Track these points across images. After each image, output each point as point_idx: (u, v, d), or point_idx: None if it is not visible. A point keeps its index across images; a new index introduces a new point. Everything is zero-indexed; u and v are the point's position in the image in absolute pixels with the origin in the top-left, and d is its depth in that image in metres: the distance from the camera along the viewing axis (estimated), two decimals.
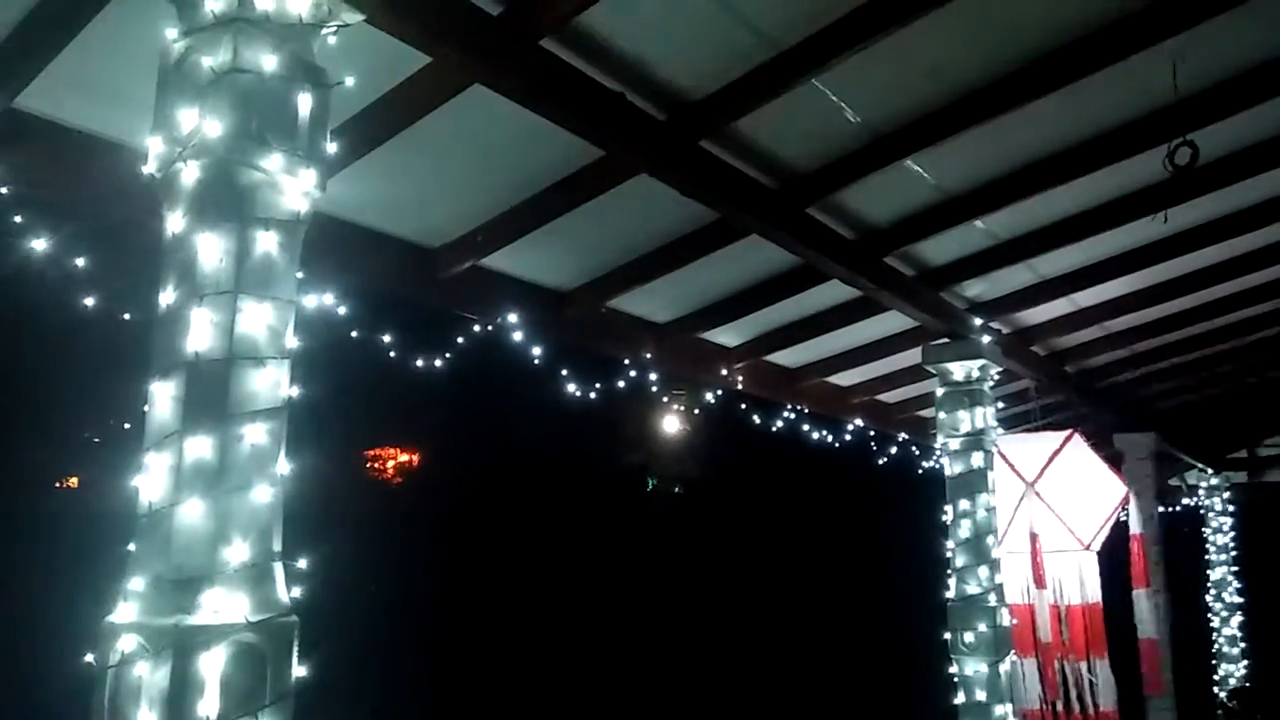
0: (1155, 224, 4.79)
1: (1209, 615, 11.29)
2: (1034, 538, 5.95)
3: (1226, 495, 11.83)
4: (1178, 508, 11.92)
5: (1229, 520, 11.73)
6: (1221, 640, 11.16)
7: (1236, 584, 11.41)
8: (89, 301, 3.24)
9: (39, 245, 3.14)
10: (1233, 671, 10.96)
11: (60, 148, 3.25)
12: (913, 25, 3.26)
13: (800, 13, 3.26)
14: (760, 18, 3.28)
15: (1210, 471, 11.66)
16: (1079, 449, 6.33)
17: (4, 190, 3.05)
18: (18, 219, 3.11)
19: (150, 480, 2.18)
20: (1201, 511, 11.85)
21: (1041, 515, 6.04)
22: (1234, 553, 11.58)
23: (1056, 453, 6.18)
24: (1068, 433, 6.40)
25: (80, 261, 3.21)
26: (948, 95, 3.83)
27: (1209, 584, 11.46)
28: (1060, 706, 6.09)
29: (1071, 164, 4.43)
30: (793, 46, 3.36)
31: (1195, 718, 9.64)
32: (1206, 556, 11.60)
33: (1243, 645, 11.14)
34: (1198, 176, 4.22)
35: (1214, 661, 11.09)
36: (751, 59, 3.42)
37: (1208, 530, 11.72)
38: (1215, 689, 10.76)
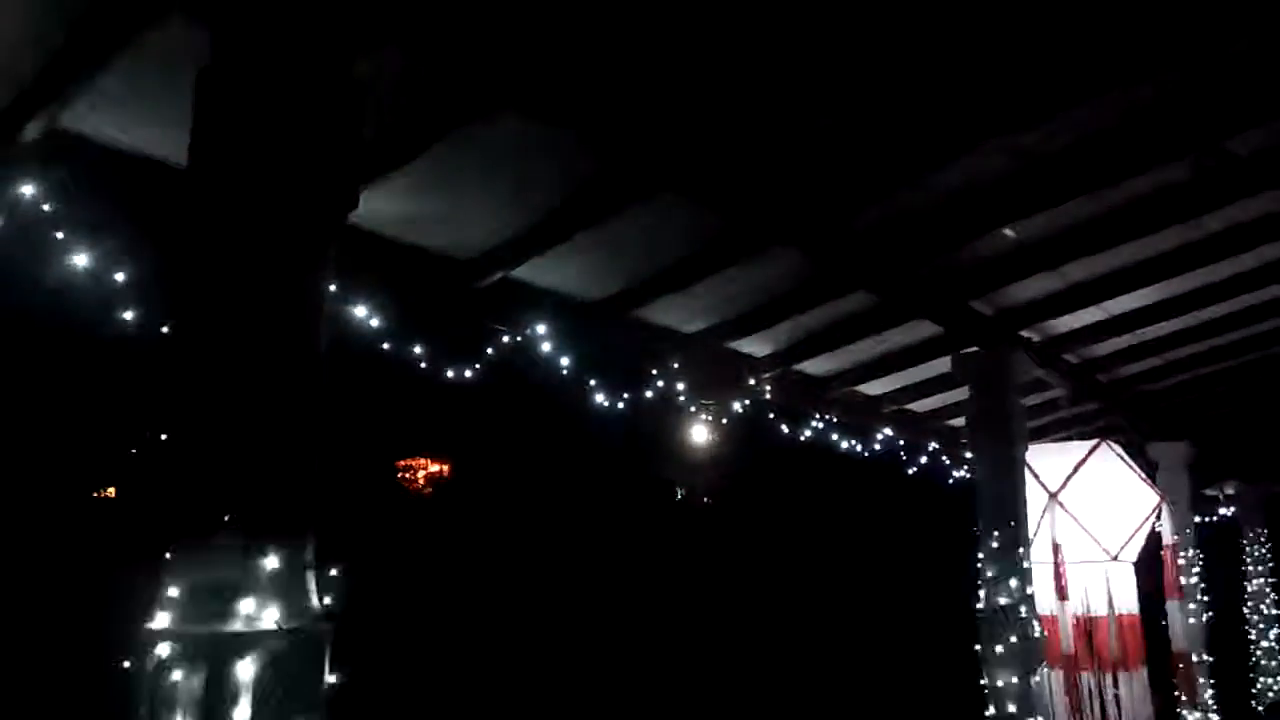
0: (1187, 230, 4.76)
1: (1246, 628, 11.12)
2: (1056, 549, 5.90)
3: (1264, 506, 11.64)
4: (1214, 518, 11.75)
5: (1265, 531, 11.55)
6: (1259, 653, 10.98)
7: (1274, 595, 11.23)
8: (129, 315, 3.31)
9: (81, 260, 3.21)
10: (1271, 685, 10.78)
11: (101, 165, 3.33)
12: None
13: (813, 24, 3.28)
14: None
15: (1247, 482, 11.48)
16: (1107, 459, 6.27)
17: (47, 207, 3.13)
18: (60, 234, 3.18)
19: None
20: (1238, 522, 11.68)
21: (1065, 526, 5.99)
22: (1271, 564, 11.40)
23: (1081, 463, 6.12)
24: (1094, 442, 6.34)
25: (120, 276, 3.29)
26: (973, 101, 3.82)
27: (1246, 596, 11.28)
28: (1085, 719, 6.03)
29: (1101, 169, 4.40)
30: (807, 59, 3.37)
31: None
32: (1243, 568, 11.42)
33: None
34: (1232, 181, 4.19)
35: (1251, 675, 10.91)
36: (771, 67, 3.43)
37: (1244, 541, 11.54)
38: (1253, 703, 10.58)
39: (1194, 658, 8.71)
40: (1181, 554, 8.85)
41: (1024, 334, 5.99)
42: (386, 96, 2.53)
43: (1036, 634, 5.47)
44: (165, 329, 3.12)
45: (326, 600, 2.30)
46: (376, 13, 2.42)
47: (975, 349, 5.77)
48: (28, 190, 3.13)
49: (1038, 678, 5.39)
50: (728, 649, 17.07)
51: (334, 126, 2.37)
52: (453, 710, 14.32)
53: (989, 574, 5.52)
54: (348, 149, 2.40)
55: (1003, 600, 5.43)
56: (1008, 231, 4.88)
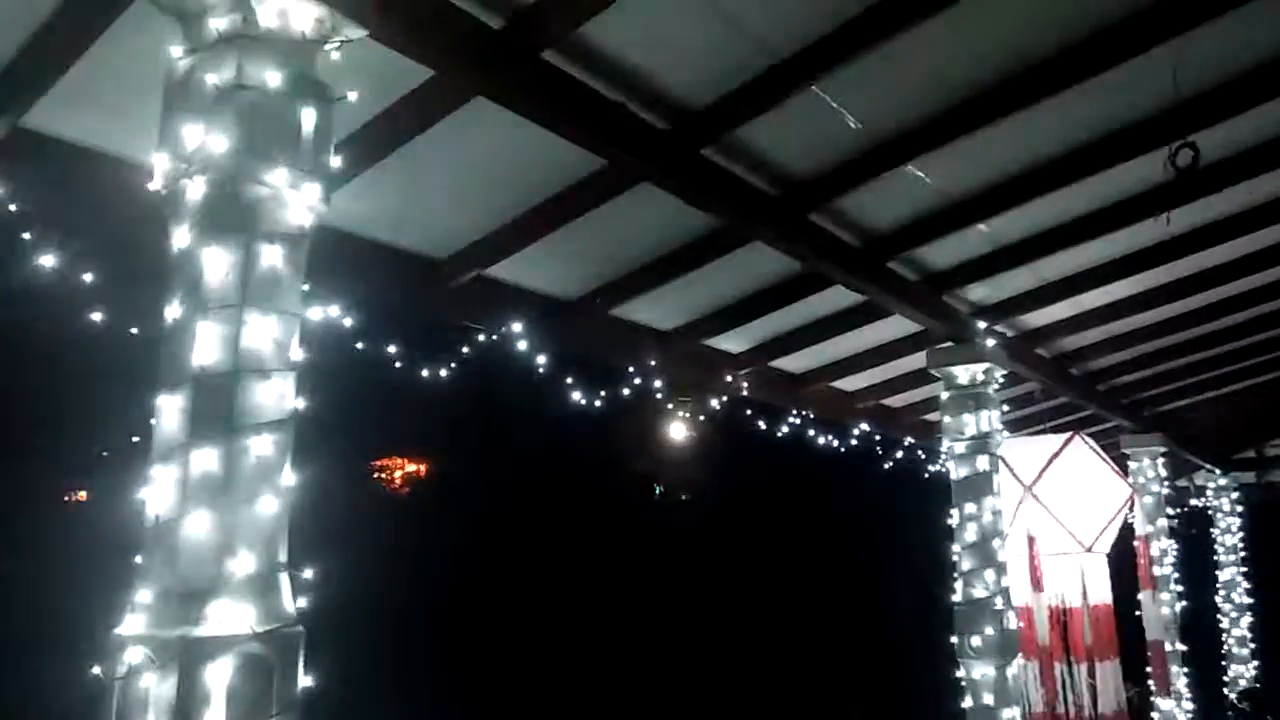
0: (1158, 226, 4.80)
1: (1218, 616, 11.25)
2: (1031, 541, 5.94)
3: (1234, 496, 11.79)
4: (1185, 508, 11.88)
5: (1237, 521, 11.69)
6: (1231, 641, 11.12)
7: (1245, 585, 11.37)
8: (96, 316, 3.27)
9: (47, 261, 3.17)
10: (1242, 673, 10.92)
11: (67, 165, 3.29)
12: (911, 32, 3.28)
13: (799, 21, 3.29)
14: (759, 26, 3.30)
15: (1218, 472, 11.62)
16: (1080, 451, 6.32)
17: (12, 207, 3.09)
18: (26, 236, 3.14)
19: (157, 492, 2.20)
20: (1209, 512, 11.81)
21: (1040, 518, 6.03)
22: (1242, 553, 11.54)
23: (1055, 455, 6.17)
24: (1067, 435, 6.39)
25: (87, 277, 3.24)
26: (949, 100, 3.84)
27: (1218, 585, 11.42)
28: (1061, 709, 6.08)
29: (1073, 167, 4.44)
30: (792, 55, 3.38)
31: (1205, 719, 9.60)
32: (1215, 557, 11.56)
33: (1252, 646, 11.09)
34: (1200, 178, 4.22)
35: (1224, 663, 11.04)
36: (751, 68, 3.44)
37: (1216, 531, 11.68)
38: (1225, 690, 10.71)
39: (1167, 647, 8.80)
40: (1154, 544, 8.95)
41: (998, 328, 6.03)
42: (358, 91, 2.50)
43: (1012, 625, 5.51)
44: (134, 330, 3.09)
45: (301, 602, 2.28)
46: (347, 5, 2.39)
47: (949, 344, 5.80)
48: None
49: (1014, 669, 5.43)
50: (708, 641, 17.10)
51: (304, 123, 2.35)
52: (430, 707, 14.26)
53: (965, 566, 5.55)
54: (319, 146, 2.38)
55: (978, 592, 5.47)
56: (982, 228, 4.91)
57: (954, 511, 5.68)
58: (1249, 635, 11.10)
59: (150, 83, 2.43)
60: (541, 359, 4.82)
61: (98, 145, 3.32)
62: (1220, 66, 3.95)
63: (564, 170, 3.88)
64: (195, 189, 2.27)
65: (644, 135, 3.59)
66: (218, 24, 2.31)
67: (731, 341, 6.09)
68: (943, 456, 5.98)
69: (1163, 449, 9.10)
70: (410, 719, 13.96)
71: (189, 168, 2.27)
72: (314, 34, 2.38)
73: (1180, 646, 8.95)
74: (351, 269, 4.05)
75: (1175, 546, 9.25)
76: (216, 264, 2.24)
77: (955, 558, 5.62)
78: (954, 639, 5.50)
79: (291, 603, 2.23)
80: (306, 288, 2.39)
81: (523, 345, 4.72)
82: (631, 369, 5.61)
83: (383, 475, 25.35)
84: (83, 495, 19.20)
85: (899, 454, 8.36)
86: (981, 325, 5.85)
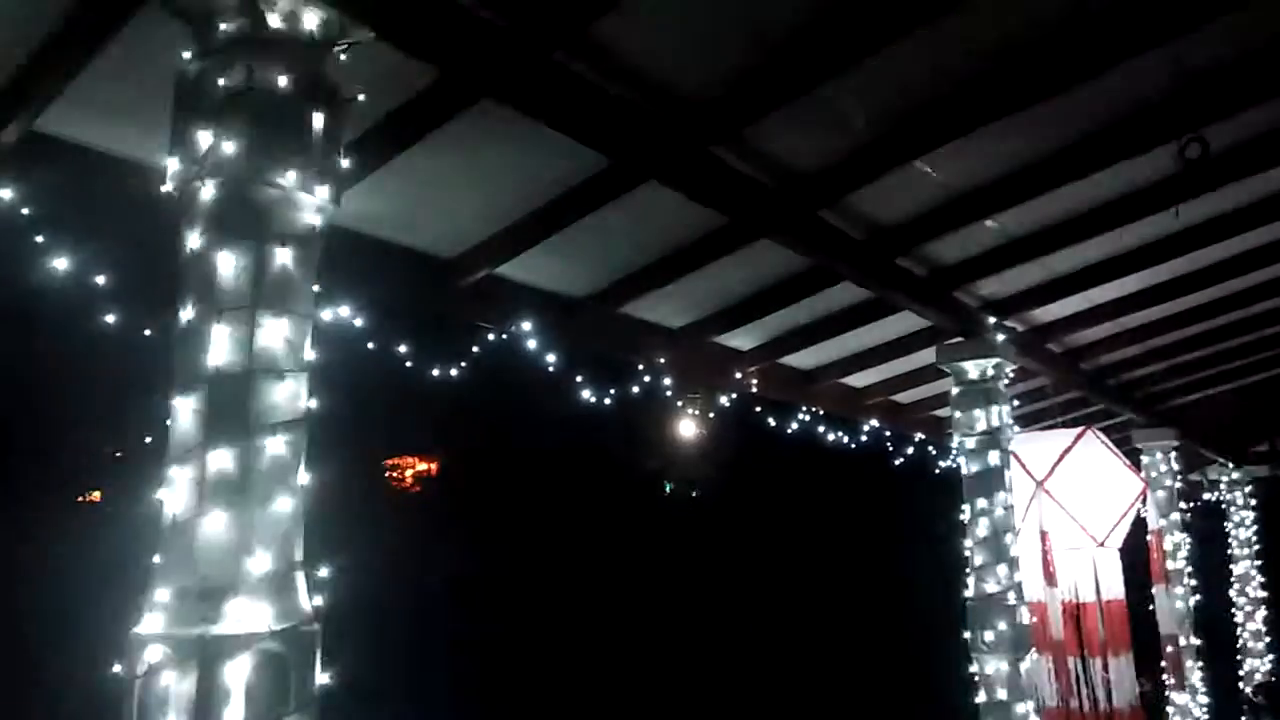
0: (1168, 219, 4.78)
1: (1233, 610, 11.21)
2: (1044, 536, 5.92)
3: (1248, 489, 11.73)
4: (1198, 502, 11.84)
5: (1251, 514, 11.64)
6: (1246, 635, 11.08)
7: (1260, 578, 11.32)
8: (110, 319, 3.30)
9: (60, 264, 3.20)
10: (1258, 666, 10.87)
11: (80, 168, 3.31)
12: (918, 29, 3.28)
13: (807, 18, 3.29)
14: (767, 24, 3.31)
15: (1231, 466, 11.56)
16: (1092, 446, 6.29)
17: (26, 210, 3.11)
18: (39, 238, 3.16)
19: (174, 493, 2.22)
20: (1223, 506, 11.76)
21: (1052, 513, 6.01)
22: (1257, 547, 11.49)
23: (1067, 450, 6.14)
24: (1079, 430, 6.36)
25: (101, 279, 3.27)
26: (955, 95, 3.83)
27: (1232, 579, 11.37)
28: (1075, 704, 6.06)
29: (1081, 160, 4.42)
30: (799, 52, 3.38)
31: (1220, 713, 9.57)
32: (1229, 551, 11.51)
33: (1267, 640, 11.05)
34: (1210, 170, 4.21)
35: (1239, 657, 11.00)
36: (759, 65, 3.44)
37: (1230, 525, 11.63)
38: (1240, 684, 10.68)
39: (1181, 641, 8.77)
40: (1167, 539, 8.92)
41: (1008, 323, 6.02)
42: (367, 92, 2.52)
43: (1025, 620, 5.50)
44: (147, 332, 3.11)
45: (317, 600, 2.30)
46: (354, 5, 2.41)
47: (959, 339, 5.79)
48: (5, 194, 3.11)
49: (1027, 664, 5.43)
50: (718, 638, 17.11)
51: (314, 125, 2.36)
52: (442, 704, 14.30)
53: (977, 561, 5.55)
54: (329, 147, 2.39)
55: (991, 587, 5.46)
56: (990, 223, 4.90)
57: (966, 507, 5.67)
58: (1263, 629, 11.06)
59: (162, 86, 2.45)
60: (551, 357, 4.84)
61: (110, 148, 3.34)
62: (1225, 59, 3.93)
63: (572, 168, 3.89)
64: (207, 191, 2.30)
65: (651, 133, 3.59)
66: (227, 27, 2.33)
67: (740, 338, 6.09)
68: (954, 452, 5.97)
69: (1175, 443, 9.07)
70: (423, 716, 14.01)
71: (200, 170, 2.29)
72: (322, 36, 2.41)
73: (1194, 641, 8.92)
74: (362, 269, 4.07)
75: (1188, 541, 9.22)
76: (229, 266, 2.27)
77: (967, 553, 5.61)
78: (967, 634, 5.50)
79: (308, 601, 2.25)
80: (318, 288, 2.41)
81: (532, 344, 4.74)
82: (641, 366, 5.62)
83: (395, 474, 25.44)
84: (97, 496, 19.31)
85: (910, 450, 8.35)
86: (991, 320, 5.84)
